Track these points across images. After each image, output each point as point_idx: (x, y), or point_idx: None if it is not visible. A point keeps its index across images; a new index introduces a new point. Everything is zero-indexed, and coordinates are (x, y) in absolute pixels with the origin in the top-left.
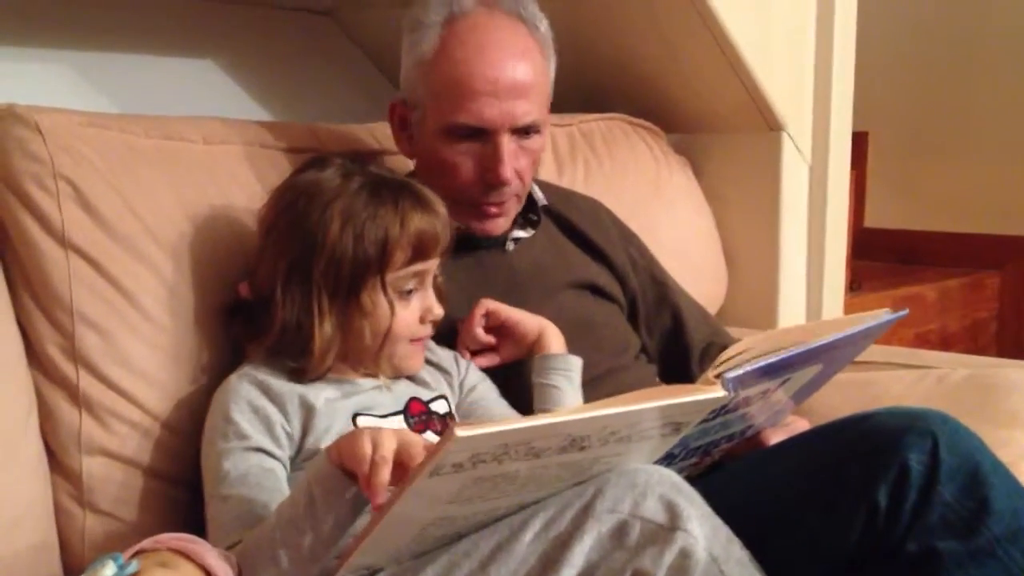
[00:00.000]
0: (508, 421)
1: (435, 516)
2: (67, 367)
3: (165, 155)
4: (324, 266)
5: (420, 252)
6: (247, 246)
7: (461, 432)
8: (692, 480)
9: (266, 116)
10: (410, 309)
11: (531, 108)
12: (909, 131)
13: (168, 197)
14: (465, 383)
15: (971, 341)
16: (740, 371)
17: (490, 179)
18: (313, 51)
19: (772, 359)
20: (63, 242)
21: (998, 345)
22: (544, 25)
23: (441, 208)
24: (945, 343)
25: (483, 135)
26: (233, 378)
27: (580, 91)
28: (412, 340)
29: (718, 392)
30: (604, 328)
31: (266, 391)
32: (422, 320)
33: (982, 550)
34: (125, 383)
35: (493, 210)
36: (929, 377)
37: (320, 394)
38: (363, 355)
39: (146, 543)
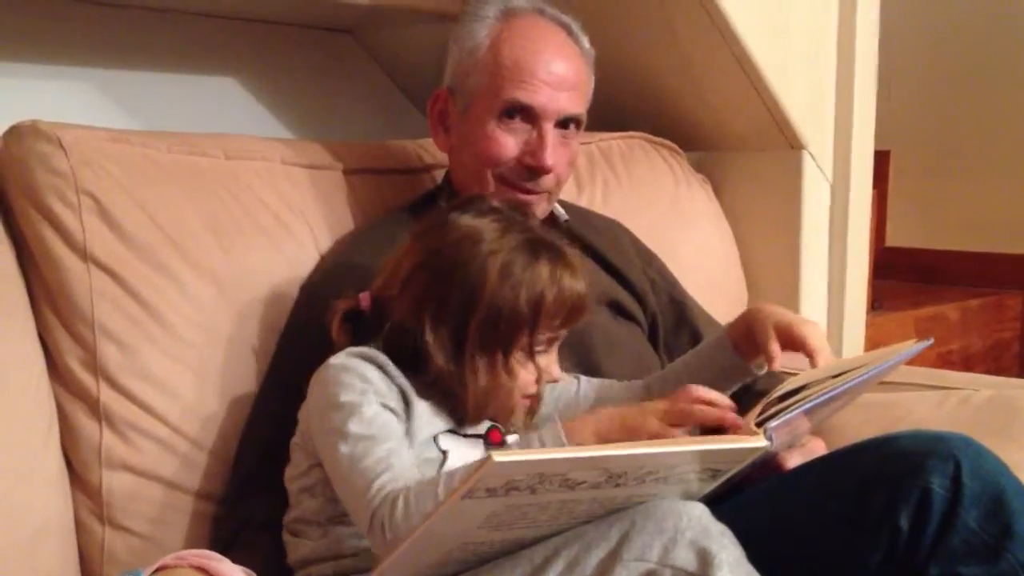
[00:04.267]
0: (545, 450)
1: (462, 540)
2: (88, 380)
3: (187, 170)
4: (481, 319)
5: (568, 318)
6: (267, 260)
7: (498, 457)
8: (712, 504)
9: (287, 133)
10: (531, 368)
11: (578, 101)
12: (931, 150)
13: (189, 212)
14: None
15: (993, 361)
16: (781, 419)
17: (532, 164)
18: (334, 69)
19: (811, 402)
20: (85, 256)
21: (1021, 366)
22: (587, 43)
23: (585, 276)
24: (967, 363)
25: (530, 119)
26: (342, 355)
27: (599, 109)
28: (522, 397)
29: (760, 442)
30: (626, 348)
31: (385, 371)
32: (537, 380)
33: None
34: (146, 397)
35: (530, 193)
36: (952, 398)
37: (423, 401)
38: (505, 410)
39: (168, 559)
